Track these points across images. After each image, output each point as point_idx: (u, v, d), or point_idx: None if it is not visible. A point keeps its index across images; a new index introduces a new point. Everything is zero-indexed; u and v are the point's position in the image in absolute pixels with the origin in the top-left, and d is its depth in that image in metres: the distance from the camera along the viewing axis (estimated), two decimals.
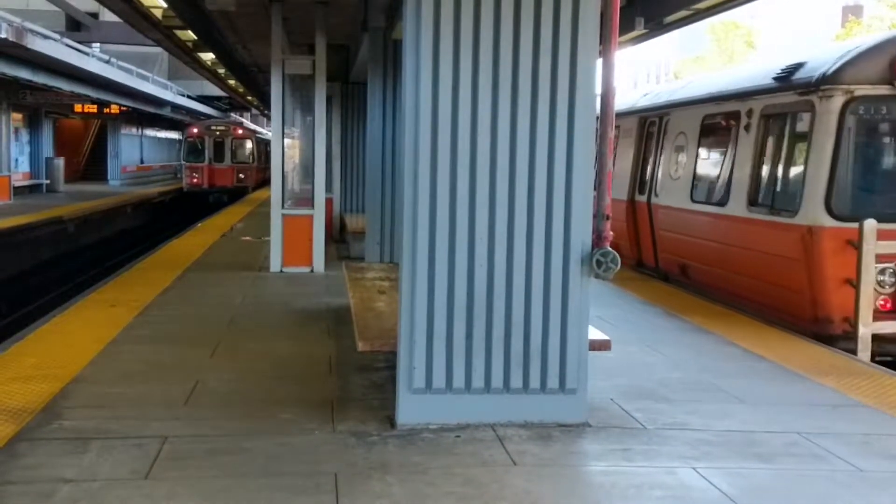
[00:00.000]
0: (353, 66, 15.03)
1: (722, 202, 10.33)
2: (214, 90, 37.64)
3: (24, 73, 23.59)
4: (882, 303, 8.42)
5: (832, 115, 8.47)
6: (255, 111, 51.18)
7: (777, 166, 9.51)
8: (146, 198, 32.73)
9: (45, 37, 21.96)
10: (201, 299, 9.89)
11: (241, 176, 35.74)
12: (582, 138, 5.29)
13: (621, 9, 6.50)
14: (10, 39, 18.88)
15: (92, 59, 26.42)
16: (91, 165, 44.70)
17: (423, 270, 5.27)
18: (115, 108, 33.00)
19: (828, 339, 8.29)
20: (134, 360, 6.93)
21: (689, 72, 40.02)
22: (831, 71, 8.58)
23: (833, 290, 8.37)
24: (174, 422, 5.38)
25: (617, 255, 5.34)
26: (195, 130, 36.59)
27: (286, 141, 12.75)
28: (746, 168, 9.86)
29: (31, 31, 20.72)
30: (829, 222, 8.43)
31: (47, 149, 35.86)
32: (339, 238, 16.17)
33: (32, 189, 32.81)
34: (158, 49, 23.86)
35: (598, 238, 5.37)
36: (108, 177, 41.39)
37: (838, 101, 8.46)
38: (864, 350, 8.07)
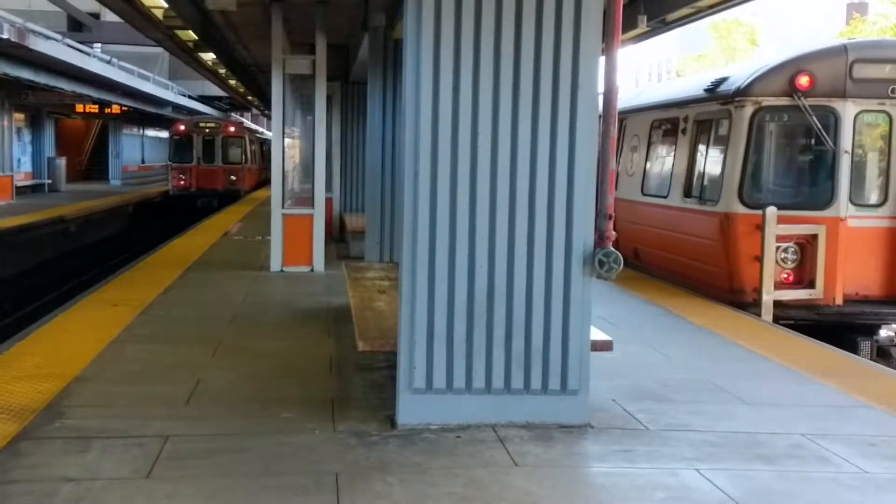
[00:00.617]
0: (353, 65, 15.00)
1: (664, 195, 11.86)
2: (215, 90, 37.51)
3: (26, 74, 23.62)
4: (786, 276, 9.84)
5: (744, 122, 9.97)
6: (255, 111, 51.22)
7: (705, 164, 11.01)
8: (147, 197, 32.70)
9: (47, 37, 21.97)
10: (202, 299, 9.89)
11: (233, 178, 31.98)
12: (584, 137, 5.26)
13: (624, 6, 6.48)
14: (13, 40, 18.90)
15: (93, 60, 26.44)
16: (92, 165, 44.83)
17: (424, 270, 5.25)
18: (116, 109, 32.98)
19: (741, 306, 9.78)
20: (135, 360, 6.93)
21: (691, 70, 39.93)
22: (744, 85, 10.07)
23: (745, 266, 9.86)
24: (176, 421, 5.37)
25: (619, 255, 5.29)
26: (182, 128, 32.61)
27: (286, 141, 12.74)
28: (683, 165, 11.38)
29: (34, 31, 20.73)
30: (742, 210, 9.94)
31: (49, 149, 35.92)
32: (339, 237, 16.15)
33: (34, 189, 32.82)
34: (159, 49, 23.87)
35: (600, 238, 5.33)
36: (110, 176, 41.47)
37: (749, 109, 9.95)
38: (767, 314, 9.45)
